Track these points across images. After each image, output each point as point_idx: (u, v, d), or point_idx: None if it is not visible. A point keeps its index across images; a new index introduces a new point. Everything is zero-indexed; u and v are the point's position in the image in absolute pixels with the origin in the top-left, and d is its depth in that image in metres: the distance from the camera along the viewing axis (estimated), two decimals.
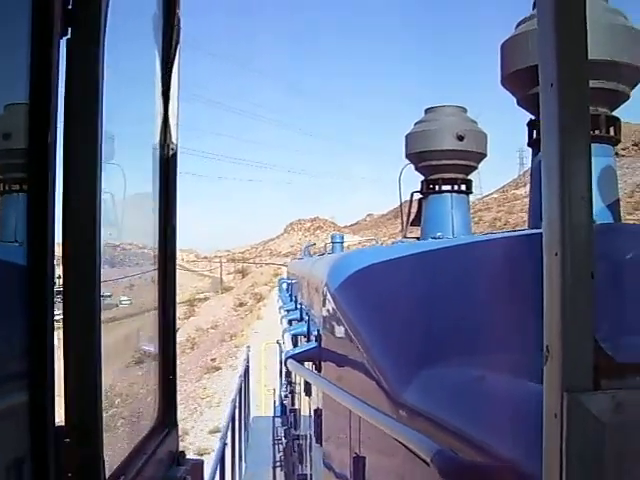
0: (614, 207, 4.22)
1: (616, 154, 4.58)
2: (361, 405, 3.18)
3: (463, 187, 7.46)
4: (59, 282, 1.91)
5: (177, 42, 3.03)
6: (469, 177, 7.57)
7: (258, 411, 22.12)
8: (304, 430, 8.87)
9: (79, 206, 1.93)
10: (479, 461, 2.05)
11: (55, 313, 1.79)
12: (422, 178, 7.59)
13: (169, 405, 3.07)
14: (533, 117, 4.67)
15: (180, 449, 3.10)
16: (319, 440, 5.44)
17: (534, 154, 4.72)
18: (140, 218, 3.14)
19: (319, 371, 5.20)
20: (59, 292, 1.90)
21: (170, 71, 3.04)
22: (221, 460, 9.21)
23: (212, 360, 49.23)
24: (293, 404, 12.54)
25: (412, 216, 7.66)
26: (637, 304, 2.55)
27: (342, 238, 16.50)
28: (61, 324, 1.91)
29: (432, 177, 7.44)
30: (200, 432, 33.20)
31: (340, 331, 4.13)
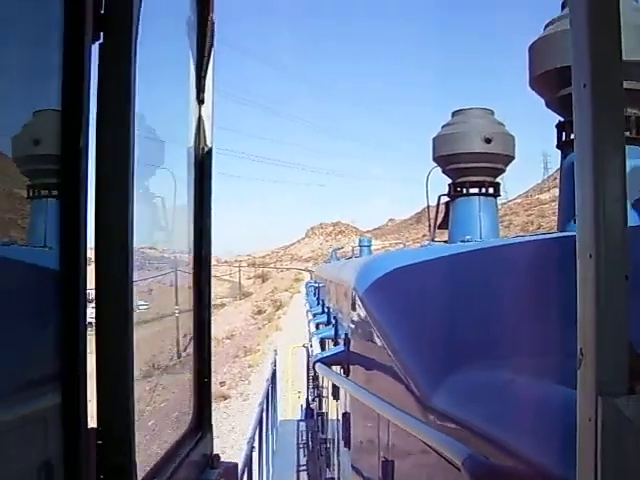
0: None
1: None
2: (390, 409, 3.16)
3: (491, 190, 7.41)
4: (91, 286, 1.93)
5: (211, 45, 3.05)
6: (497, 180, 7.52)
7: (285, 415, 22.15)
8: (331, 434, 8.87)
9: (111, 210, 1.95)
10: (510, 465, 2.04)
11: (88, 317, 1.80)
12: (449, 181, 7.56)
13: (204, 408, 3.08)
14: (562, 119, 4.64)
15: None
16: (347, 444, 5.43)
17: (563, 156, 4.69)
18: (175, 221, 3.17)
19: (347, 375, 5.20)
20: (91, 297, 1.92)
21: (205, 73, 3.06)
22: (249, 464, 9.23)
23: (221, 384, 42.52)
24: (321, 408, 12.56)
25: (439, 219, 7.63)
26: None
27: (370, 241, 16.50)
28: (94, 328, 1.93)
29: (460, 180, 7.40)
30: None
31: (368, 334, 4.12)
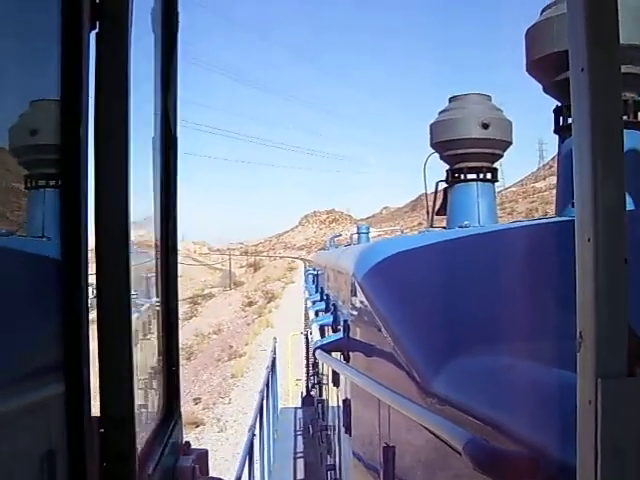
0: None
1: None
2: (391, 395, 3.18)
3: (489, 175, 7.41)
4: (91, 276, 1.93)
5: (175, 34, 3.03)
6: (494, 165, 7.53)
7: (285, 402, 22.19)
8: (332, 420, 8.90)
9: (111, 199, 1.95)
10: (511, 449, 2.05)
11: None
12: (447, 167, 7.56)
13: (173, 396, 3.10)
14: (560, 104, 4.63)
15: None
16: (348, 430, 5.45)
17: (561, 141, 4.68)
18: (142, 211, 3.15)
19: (347, 361, 5.21)
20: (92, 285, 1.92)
21: (170, 62, 3.03)
22: (249, 451, 9.27)
23: (195, 402, 35.26)
24: (321, 395, 12.60)
25: (437, 206, 7.64)
26: None
27: (368, 229, 16.47)
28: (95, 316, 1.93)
29: (457, 166, 7.40)
30: None
31: (368, 321, 4.13)
